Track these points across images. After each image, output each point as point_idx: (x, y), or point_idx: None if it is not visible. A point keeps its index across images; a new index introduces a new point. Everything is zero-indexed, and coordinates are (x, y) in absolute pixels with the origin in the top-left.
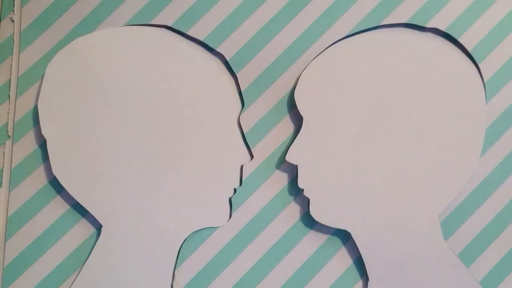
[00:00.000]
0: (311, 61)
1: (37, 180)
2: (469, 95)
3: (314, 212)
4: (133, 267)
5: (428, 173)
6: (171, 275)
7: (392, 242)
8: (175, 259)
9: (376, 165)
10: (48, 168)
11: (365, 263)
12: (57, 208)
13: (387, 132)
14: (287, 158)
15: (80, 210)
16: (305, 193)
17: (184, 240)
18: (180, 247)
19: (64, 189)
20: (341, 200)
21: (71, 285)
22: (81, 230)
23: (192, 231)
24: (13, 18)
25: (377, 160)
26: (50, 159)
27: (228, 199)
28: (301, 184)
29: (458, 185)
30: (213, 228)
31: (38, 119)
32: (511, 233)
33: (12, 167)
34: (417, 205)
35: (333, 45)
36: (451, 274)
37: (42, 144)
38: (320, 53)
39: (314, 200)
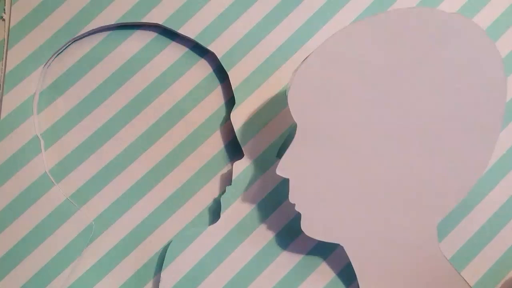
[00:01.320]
0: (305, 59)
1: (29, 172)
2: (489, 96)
3: (306, 228)
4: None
5: (428, 185)
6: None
7: (387, 254)
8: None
9: (374, 178)
10: (36, 165)
11: (357, 275)
12: (48, 203)
13: (387, 141)
14: (278, 172)
15: (71, 205)
16: (297, 208)
17: (171, 241)
18: (166, 248)
19: (53, 185)
20: (334, 215)
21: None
22: (73, 225)
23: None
24: (3, 17)
25: (374, 173)
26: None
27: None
28: (292, 199)
29: (460, 196)
30: (200, 229)
31: (25, 117)
32: (504, 237)
33: None
34: (415, 218)
35: (331, 36)
36: (446, 284)
37: (29, 141)
38: (312, 52)
39: (306, 215)
